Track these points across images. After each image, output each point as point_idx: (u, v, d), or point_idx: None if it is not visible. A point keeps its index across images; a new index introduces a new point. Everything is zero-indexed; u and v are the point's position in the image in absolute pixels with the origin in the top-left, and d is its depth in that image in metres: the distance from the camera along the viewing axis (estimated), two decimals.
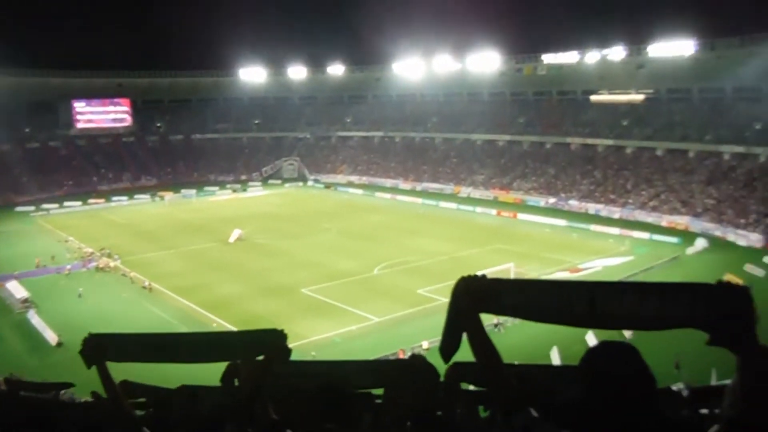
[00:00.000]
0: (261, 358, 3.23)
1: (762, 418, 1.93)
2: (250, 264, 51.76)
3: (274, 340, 3.21)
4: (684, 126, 77.89)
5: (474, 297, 2.37)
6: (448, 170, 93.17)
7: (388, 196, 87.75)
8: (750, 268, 47.16)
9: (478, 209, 75.80)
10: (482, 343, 2.33)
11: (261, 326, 3.72)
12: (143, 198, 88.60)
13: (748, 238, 56.62)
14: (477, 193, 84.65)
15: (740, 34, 69.43)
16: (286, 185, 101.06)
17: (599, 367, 2.06)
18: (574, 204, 74.48)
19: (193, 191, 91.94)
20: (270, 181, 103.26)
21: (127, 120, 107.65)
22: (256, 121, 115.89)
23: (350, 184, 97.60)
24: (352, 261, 51.69)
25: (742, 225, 59.04)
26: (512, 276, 46.03)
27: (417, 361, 4.02)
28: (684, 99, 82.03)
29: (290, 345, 3.22)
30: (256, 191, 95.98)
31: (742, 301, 1.94)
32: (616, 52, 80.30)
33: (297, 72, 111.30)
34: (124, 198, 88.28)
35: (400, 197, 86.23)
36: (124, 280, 47.98)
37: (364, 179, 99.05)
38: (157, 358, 3.41)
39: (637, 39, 78.22)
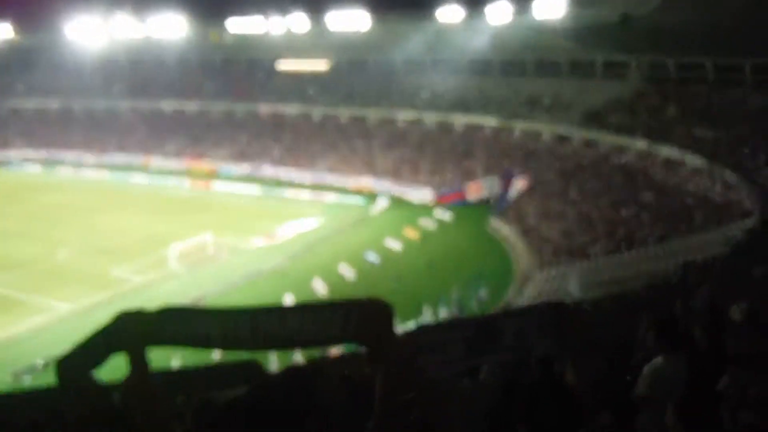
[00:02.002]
0: None
1: (396, 428, 2.11)
2: None
3: None
4: (363, 95, 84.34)
5: (138, 334, 2.50)
6: (136, 141, 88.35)
7: (71, 171, 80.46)
8: (424, 221, 53.73)
9: (171, 181, 73.59)
10: (141, 380, 2.51)
11: None
12: None
13: (421, 195, 63.89)
14: (169, 164, 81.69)
15: (405, 10, 76.94)
16: None
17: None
18: (267, 170, 76.21)
19: None
20: None
21: None
22: None
23: (26, 160, 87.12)
24: (31, 247, 46.88)
25: (416, 183, 66.38)
26: (211, 247, 46.28)
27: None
28: (362, 69, 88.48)
29: None
30: None
31: (382, 314, 2.11)
32: (299, 21, 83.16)
33: None
34: None
35: (84, 172, 79.67)
36: None
37: (43, 153, 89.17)
38: None
39: (315, 8, 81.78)
